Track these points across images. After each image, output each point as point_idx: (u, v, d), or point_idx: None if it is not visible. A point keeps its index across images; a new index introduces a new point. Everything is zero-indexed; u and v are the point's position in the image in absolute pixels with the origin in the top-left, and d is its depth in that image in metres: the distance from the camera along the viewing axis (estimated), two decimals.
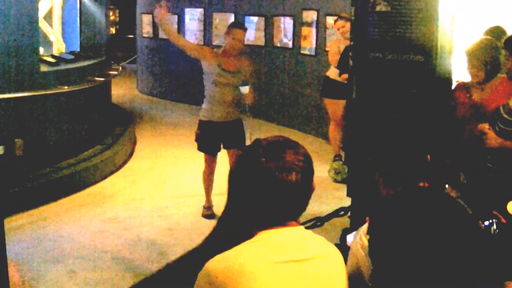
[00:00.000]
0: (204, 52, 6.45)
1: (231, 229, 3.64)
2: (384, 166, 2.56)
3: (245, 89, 6.34)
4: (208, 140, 6.51)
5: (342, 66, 7.80)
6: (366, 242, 2.39)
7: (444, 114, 4.63)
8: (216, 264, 2.05)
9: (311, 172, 2.12)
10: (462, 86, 4.77)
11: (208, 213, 6.71)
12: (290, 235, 2.12)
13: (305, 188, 2.09)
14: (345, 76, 7.82)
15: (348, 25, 7.69)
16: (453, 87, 4.87)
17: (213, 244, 4.71)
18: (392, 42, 4.75)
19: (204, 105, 6.50)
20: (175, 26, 13.86)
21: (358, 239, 2.41)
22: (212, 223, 6.53)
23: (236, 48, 6.38)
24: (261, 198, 2.08)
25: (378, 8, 4.77)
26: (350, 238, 2.77)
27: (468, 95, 4.66)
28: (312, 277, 2.07)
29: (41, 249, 5.78)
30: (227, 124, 6.47)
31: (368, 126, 4.77)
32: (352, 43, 5.19)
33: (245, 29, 6.52)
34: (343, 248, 2.44)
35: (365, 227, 2.46)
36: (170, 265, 5.37)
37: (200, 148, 6.61)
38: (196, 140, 6.58)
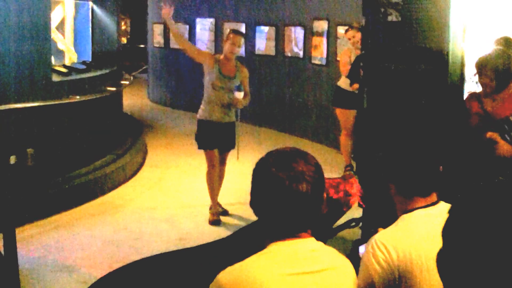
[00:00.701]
0: (205, 56, 6.87)
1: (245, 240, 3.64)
2: (397, 173, 2.55)
3: (238, 94, 6.72)
4: (207, 136, 6.76)
5: (353, 76, 7.80)
6: (378, 252, 2.38)
7: (455, 124, 4.61)
8: (227, 275, 2.05)
9: (321, 182, 2.11)
10: (474, 96, 4.75)
11: (214, 218, 6.82)
12: (302, 247, 2.11)
13: (316, 198, 2.09)
14: (356, 86, 7.81)
15: (359, 35, 7.70)
16: (465, 97, 4.85)
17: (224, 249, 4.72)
18: (403, 52, 4.74)
19: (202, 106, 6.84)
20: (186, 35, 13.91)
21: (370, 249, 2.40)
22: (220, 230, 6.63)
23: (234, 52, 6.78)
24: (272, 208, 2.08)
25: (389, 18, 4.76)
26: (362, 249, 2.76)
27: (480, 105, 4.65)
28: None
29: (53, 259, 5.79)
30: (222, 125, 6.79)
31: (379, 135, 4.75)
32: (363, 52, 5.19)
33: (242, 35, 6.99)
34: (354, 259, 2.43)
35: (377, 236, 2.45)
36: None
37: (200, 146, 6.86)
38: (196, 139, 6.87)
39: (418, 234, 2.42)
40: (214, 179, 6.85)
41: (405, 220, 2.51)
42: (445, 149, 2.61)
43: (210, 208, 6.93)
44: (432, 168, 2.55)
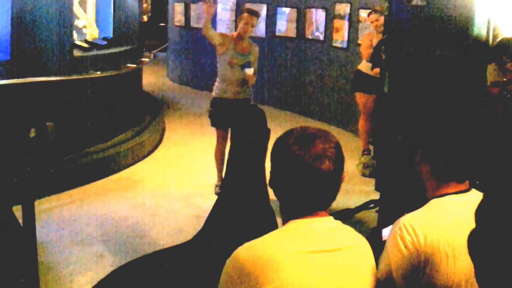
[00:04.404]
0: (223, 39, 6.92)
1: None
2: (441, 155, 2.50)
3: (249, 71, 6.86)
4: (220, 115, 6.96)
5: (374, 60, 7.75)
6: (406, 234, 2.35)
7: (479, 111, 4.57)
8: (245, 252, 2.05)
9: (342, 160, 2.11)
10: (498, 82, 4.71)
11: (220, 191, 6.93)
12: (320, 225, 2.12)
13: (336, 177, 2.09)
14: (377, 70, 7.76)
15: (381, 18, 7.65)
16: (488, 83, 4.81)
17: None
18: (426, 37, 4.71)
19: (217, 84, 7.02)
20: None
21: (398, 230, 2.37)
22: None
23: (248, 32, 6.92)
24: (293, 187, 2.08)
25: (414, 2, 4.73)
26: (386, 231, 2.72)
27: (504, 92, 4.60)
28: (340, 268, 2.07)
29: (70, 232, 5.85)
30: (237, 102, 6.92)
31: (400, 120, 4.73)
32: (385, 36, 5.16)
33: (257, 15, 7.02)
34: (375, 243, 2.41)
35: (405, 218, 2.41)
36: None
37: (213, 123, 7.09)
38: (209, 116, 7.09)
39: (447, 220, 2.38)
40: (221, 155, 7.13)
41: (435, 204, 2.47)
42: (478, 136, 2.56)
43: (216, 183, 7.21)
44: (474, 154, 2.51)
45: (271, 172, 2.18)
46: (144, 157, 8.52)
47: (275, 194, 2.18)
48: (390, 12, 5.00)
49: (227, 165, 5.62)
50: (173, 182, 7.57)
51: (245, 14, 6.94)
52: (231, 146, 5.55)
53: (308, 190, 2.07)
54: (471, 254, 1.50)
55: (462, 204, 2.41)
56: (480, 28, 4.52)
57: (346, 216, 5.44)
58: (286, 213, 2.15)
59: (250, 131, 5.11)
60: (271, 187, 2.19)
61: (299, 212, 2.11)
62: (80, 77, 7.58)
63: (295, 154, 2.05)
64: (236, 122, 6.25)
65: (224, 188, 5.78)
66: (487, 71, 4.60)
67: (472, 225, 1.50)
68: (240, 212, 4.83)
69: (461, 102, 4.47)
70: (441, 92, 4.55)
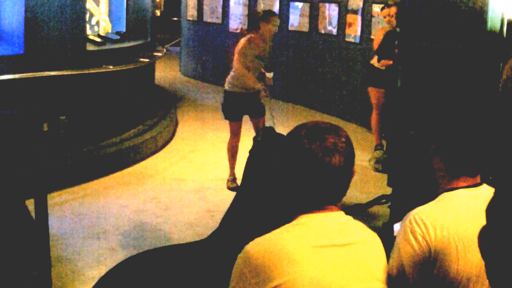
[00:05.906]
0: (246, 52, 6.87)
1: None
2: (452, 150, 2.49)
3: (269, 74, 7.18)
4: (233, 108, 7.02)
5: (381, 52, 7.72)
6: (416, 227, 2.34)
7: (493, 106, 4.54)
8: (256, 246, 2.05)
9: (353, 155, 2.11)
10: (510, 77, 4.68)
11: (232, 185, 7.08)
12: (331, 220, 2.11)
13: (347, 171, 2.09)
14: (384, 62, 7.76)
15: (393, 9, 7.62)
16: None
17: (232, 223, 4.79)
18: (440, 31, 4.68)
19: (230, 78, 7.04)
20: (219, 10, 13.86)
21: (408, 223, 2.36)
22: None
23: (273, 34, 6.96)
24: (304, 181, 2.08)
25: None
26: (397, 226, 2.71)
27: None
28: (351, 262, 2.07)
29: (82, 225, 5.88)
30: (249, 94, 6.99)
31: (413, 115, 4.71)
32: (398, 29, 5.13)
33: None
34: (387, 238, 2.40)
35: (415, 211, 2.40)
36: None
37: (226, 116, 7.12)
38: (222, 109, 7.14)
39: (458, 214, 2.37)
40: (234, 149, 7.15)
41: (446, 198, 2.46)
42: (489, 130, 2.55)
43: (228, 178, 7.21)
44: (486, 148, 2.49)
45: (281, 166, 2.17)
46: (157, 151, 8.54)
47: (284, 189, 2.17)
48: (403, 5, 4.98)
49: (246, 163, 5.56)
50: (186, 176, 7.58)
51: (272, 17, 6.92)
52: (252, 148, 5.50)
53: (318, 185, 2.07)
54: (482, 251, 1.49)
55: (473, 198, 2.40)
56: (494, 21, 4.49)
57: (358, 211, 5.42)
58: (295, 207, 2.15)
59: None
60: (281, 181, 2.18)
61: (309, 206, 2.11)
62: (93, 71, 7.59)
63: (305, 148, 2.05)
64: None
65: (242, 186, 5.72)
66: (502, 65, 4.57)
67: (483, 219, 1.49)
68: (258, 212, 4.80)
69: (473, 97, 4.44)
70: (454, 86, 4.52)
